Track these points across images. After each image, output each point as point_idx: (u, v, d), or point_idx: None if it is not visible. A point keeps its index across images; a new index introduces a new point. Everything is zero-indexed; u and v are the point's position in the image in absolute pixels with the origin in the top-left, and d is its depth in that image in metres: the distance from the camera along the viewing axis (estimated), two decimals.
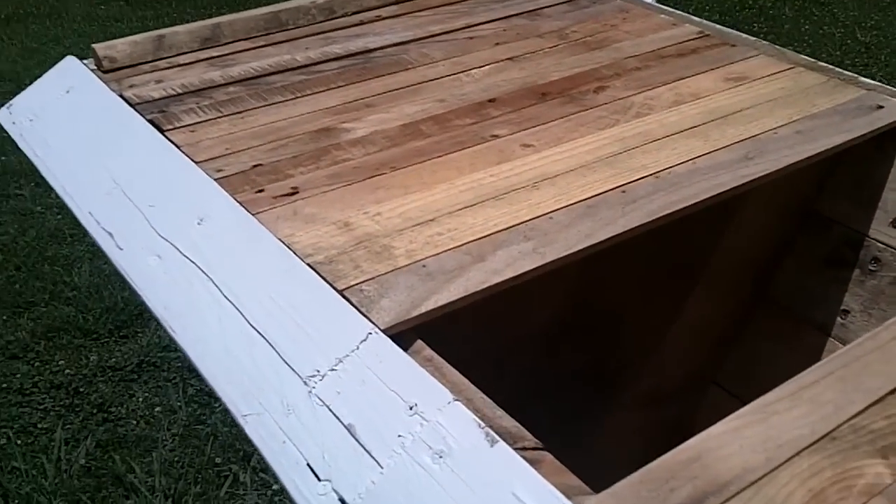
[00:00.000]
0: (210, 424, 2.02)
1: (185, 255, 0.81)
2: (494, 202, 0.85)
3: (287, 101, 1.05)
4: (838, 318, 1.05)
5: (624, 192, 0.87)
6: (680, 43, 1.18)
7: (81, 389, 2.16)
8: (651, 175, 0.90)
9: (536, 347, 1.06)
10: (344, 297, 0.73)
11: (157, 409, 2.11)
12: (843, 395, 0.64)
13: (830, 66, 1.10)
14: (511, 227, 0.82)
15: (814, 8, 5.40)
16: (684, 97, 1.05)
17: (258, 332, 0.72)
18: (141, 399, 2.13)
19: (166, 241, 0.83)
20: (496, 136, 0.97)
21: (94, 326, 2.35)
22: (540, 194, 0.86)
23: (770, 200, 1.05)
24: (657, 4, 1.30)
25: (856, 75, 1.07)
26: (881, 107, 1.01)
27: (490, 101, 1.05)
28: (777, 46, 1.15)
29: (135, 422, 2.07)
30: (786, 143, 0.95)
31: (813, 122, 0.99)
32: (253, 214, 0.83)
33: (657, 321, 1.14)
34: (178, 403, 2.09)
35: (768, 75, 1.09)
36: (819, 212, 1.09)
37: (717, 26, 1.22)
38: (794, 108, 1.02)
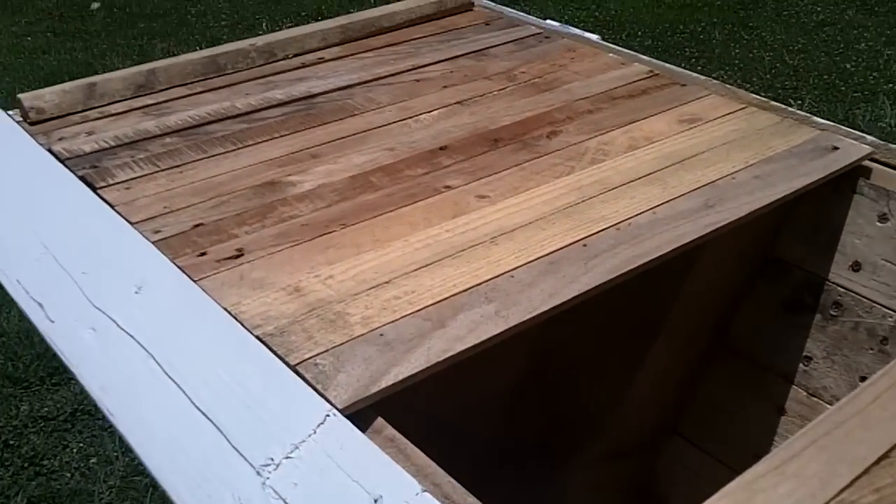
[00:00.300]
0: (149, 475, 1.94)
1: (122, 328, 0.75)
2: (452, 260, 0.81)
3: (228, 152, 1.00)
4: (801, 365, 1.03)
5: (585, 245, 0.84)
6: (630, 83, 1.16)
7: (11, 442, 2.06)
8: (611, 227, 0.87)
9: (497, 411, 1.02)
10: (297, 373, 0.68)
11: (93, 460, 2.01)
12: (827, 467, 0.61)
13: (782, 106, 1.09)
14: (471, 287, 0.78)
15: (742, 32, 5.51)
16: (639, 141, 1.02)
17: (204, 415, 0.66)
18: (75, 450, 2.04)
19: (101, 312, 0.77)
20: (449, 187, 0.93)
21: (25, 374, 2.25)
22: (499, 250, 0.83)
23: (729, 247, 1.03)
24: (603, 42, 1.28)
25: (809, 115, 1.06)
26: (836, 148, 1.00)
27: (441, 148, 1.01)
28: (728, 86, 1.14)
29: (69, 474, 1.98)
30: (745, 189, 0.93)
31: (770, 165, 0.98)
32: (195, 281, 0.78)
33: (617, 375, 1.12)
34: (115, 453, 2.00)
35: (721, 116, 1.08)
36: (778, 257, 1.08)
37: (666, 65, 1.20)
38: (750, 150, 1.00)
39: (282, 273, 0.80)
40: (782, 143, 1.01)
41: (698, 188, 0.93)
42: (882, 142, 1.02)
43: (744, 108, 1.10)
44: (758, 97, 1.11)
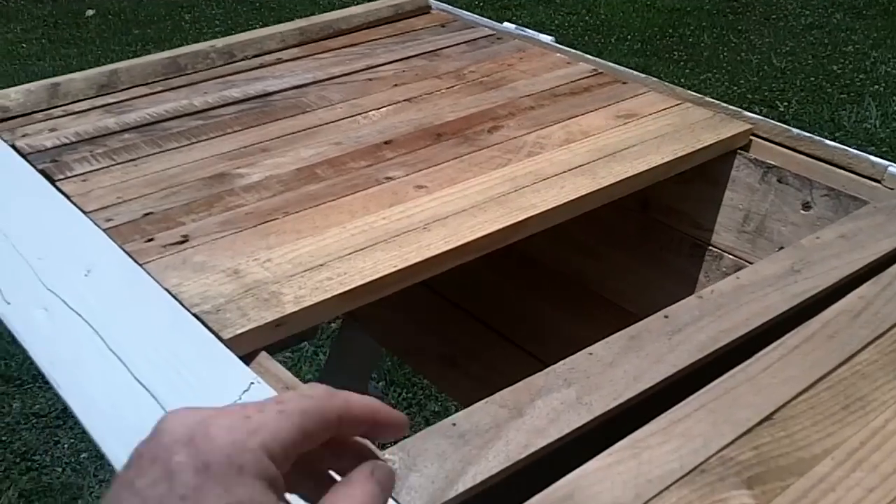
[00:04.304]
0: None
1: (71, 308, 0.80)
2: (385, 245, 0.87)
3: (182, 146, 1.05)
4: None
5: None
6: (573, 81, 1.22)
7: (4, 438, 2.11)
8: (538, 214, 0.92)
9: None
10: (228, 346, 0.73)
11: (84, 455, 2.06)
12: (713, 427, 0.66)
13: (717, 102, 1.13)
14: (399, 269, 0.83)
15: (731, 35, 5.57)
16: (575, 135, 1.07)
17: (143, 385, 0.71)
18: (66, 446, 2.09)
19: (53, 293, 0.82)
20: (390, 179, 0.99)
21: (18, 373, 2.30)
22: (430, 236, 0.88)
23: None
24: (554, 44, 1.33)
25: (740, 110, 1.11)
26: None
27: (386, 142, 1.06)
28: (666, 83, 1.19)
29: (60, 469, 2.03)
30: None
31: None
32: (141, 264, 0.83)
33: None
34: None
35: (656, 112, 1.13)
36: (712, 244, 1.13)
37: (611, 64, 1.25)
38: (680, 143, 1.05)
39: (223, 257, 0.85)
40: (712, 136, 1.06)
41: (627, 178, 0.98)
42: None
43: (679, 104, 1.15)
44: (695, 94, 1.16)
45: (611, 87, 1.20)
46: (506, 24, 1.43)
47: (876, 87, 4.70)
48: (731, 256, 1.11)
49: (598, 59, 1.27)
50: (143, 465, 0.36)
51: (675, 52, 5.33)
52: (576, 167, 1.00)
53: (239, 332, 0.75)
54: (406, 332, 1.40)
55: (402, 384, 2.44)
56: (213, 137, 1.07)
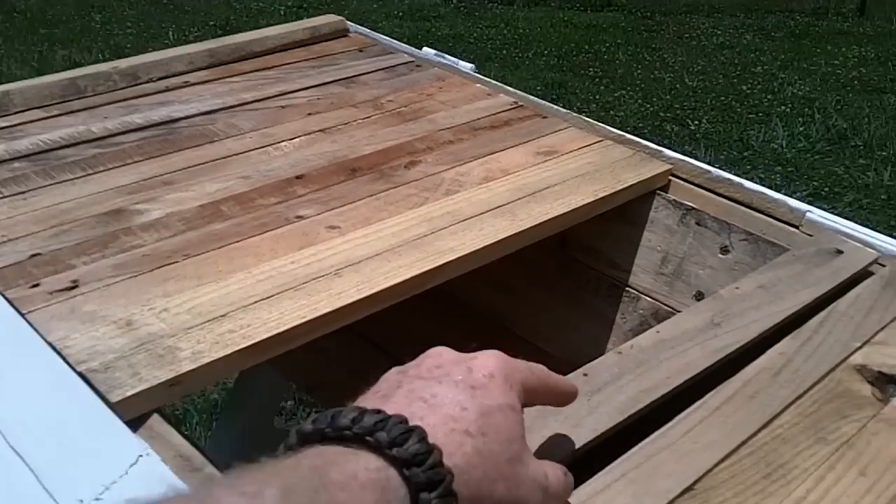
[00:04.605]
0: None
1: None
2: (293, 293, 0.82)
3: (77, 178, 0.98)
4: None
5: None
6: (494, 114, 1.19)
7: None
8: (455, 259, 0.88)
9: None
10: (117, 411, 0.67)
11: None
12: (634, 500, 0.63)
13: (636, 139, 1.12)
14: (307, 321, 0.78)
15: (645, 53, 5.67)
16: (495, 173, 1.04)
17: (18, 454, 0.65)
18: None
19: None
20: (301, 217, 0.94)
21: None
22: (342, 282, 0.83)
23: None
24: (474, 73, 1.30)
25: (661, 149, 1.09)
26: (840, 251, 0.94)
27: (298, 177, 1.01)
28: (586, 119, 1.17)
29: None
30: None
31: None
32: (23, 314, 0.76)
33: None
34: None
35: (577, 149, 1.10)
36: (629, 285, 1.11)
37: (531, 97, 1.23)
38: (601, 183, 1.03)
39: (115, 306, 0.78)
40: (633, 177, 1.05)
41: (547, 220, 0.96)
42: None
43: (599, 141, 1.13)
44: (615, 131, 1.14)
45: (531, 121, 1.17)
46: (425, 49, 1.40)
47: (783, 107, 4.84)
48: (648, 298, 1.09)
49: (518, 92, 1.24)
50: (448, 364, 0.51)
51: (591, 69, 5.40)
52: (495, 208, 0.97)
53: (129, 393, 0.69)
54: (314, 366, 1.34)
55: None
56: (111, 168, 1.00)
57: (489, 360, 0.52)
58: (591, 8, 6.79)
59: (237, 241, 0.89)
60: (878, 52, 5.69)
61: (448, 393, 0.48)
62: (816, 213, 0.98)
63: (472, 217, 0.95)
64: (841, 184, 3.98)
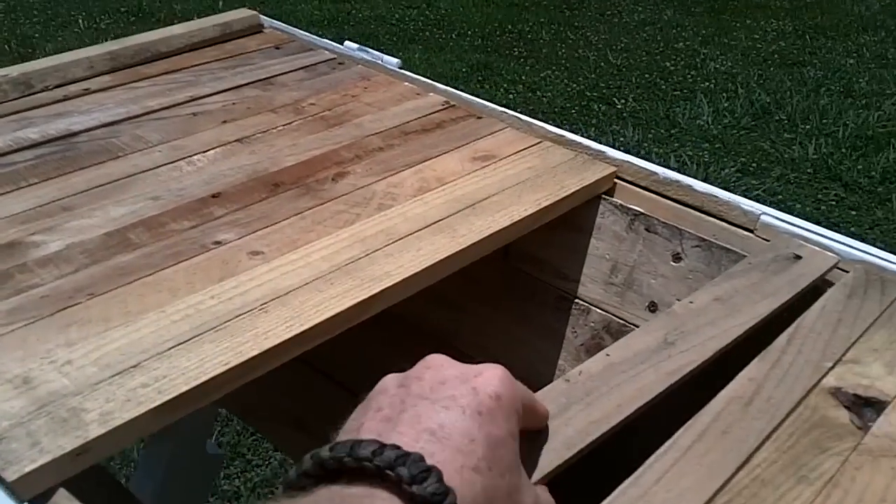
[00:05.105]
0: None
1: None
2: (214, 334, 0.73)
3: None
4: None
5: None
6: (425, 116, 1.11)
7: None
8: (393, 285, 0.80)
9: None
10: (14, 491, 0.58)
11: None
12: None
13: (576, 139, 1.05)
14: (231, 368, 0.70)
15: (569, 32, 5.64)
16: (430, 182, 0.97)
17: None
18: None
19: None
20: (219, 243, 0.85)
21: None
22: (269, 319, 0.75)
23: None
24: (400, 71, 1.22)
25: (604, 150, 1.03)
26: (798, 257, 0.89)
27: (214, 196, 0.92)
28: (523, 118, 1.09)
29: None
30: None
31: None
32: None
33: None
34: None
35: (515, 153, 1.03)
36: (578, 297, 1.05)
37: (463, 95, 1.15)
38: (543, 191, 0.96)
39: (11, 360, 0.69)
40: (576, 182, 0.98)
41: (489, 235, 0.88)
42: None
43: (539, 142, 1.06)
44: (554, 130, 1.07)
45: (465, 122, 1.10)
46: (347, 43, 1.31)
47: (706, 83, 4.87)
48: (598, 310, 1.03)
49: (449, 89, 1.16)
50: (453, 382, 0.50)
51: (516, 49, 5.35)
52: (432, 223, 0.89)
53: (28, 468, 0.60)
54: (248, 390, 1.25)
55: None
56: (2, 193, 0.90)
57: (493, 379, 0.51)
58: None
59: (148, 275, 0.80)
60: (795, 25, 5.76)
61: (456, 423, 0.47)
62: (771, 215, 0.92)
63: (408, 235, 0.87)
64: (768, 159, 4.01)
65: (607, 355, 0.74)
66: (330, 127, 1.07)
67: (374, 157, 1.01)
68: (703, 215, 0.96)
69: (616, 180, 1.02)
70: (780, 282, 0.85)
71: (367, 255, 0.84)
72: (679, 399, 0.70)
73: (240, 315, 0.75)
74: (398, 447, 0.43)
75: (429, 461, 0.43)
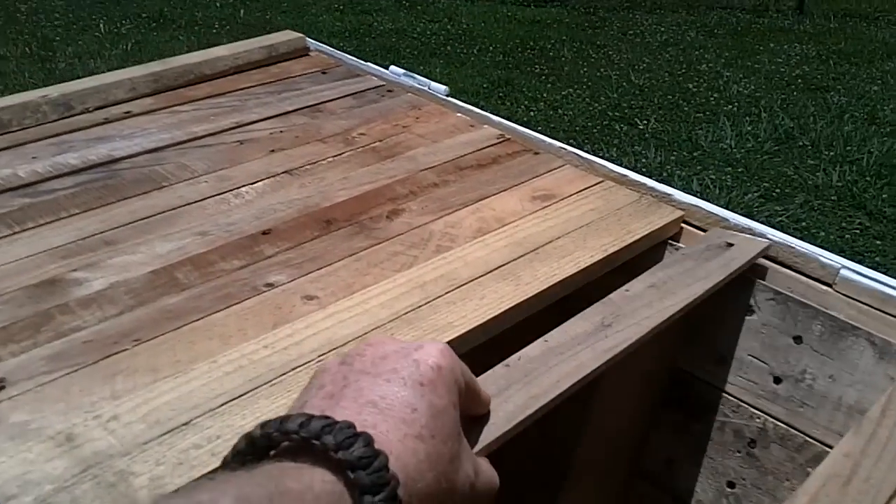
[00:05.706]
0: None
1: None
2: (269, 389, 0.68)
3: (2, 238, 0.82)
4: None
5: None
6: (479, 150, 1.06)
7: None
8: (457, 337, 0.75)
9: None
10: None
11: None
12: None
13: (639, 179, 1.00)
14: None
15: (591, 50, 5.60)
16: (489, 223, 0.92)
17: None
18: None
19: None
20: (271, 286, 0.80)
21: None
22: None
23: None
24: (450, 99, 1.17)
25: (670, 192, 0.98)
26: (730, 244, 0.90)
27: (264, 233, 0.87)
28: (583, 155, 1.04)
29: None
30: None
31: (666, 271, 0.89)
32: None
33: None
34: None
35: (576, 192, 0.98)
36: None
37: (519, 128, 1.10)
38: (609, 236, 0.91)
39: (53, 413, 0.64)
40: (642, 227, 0.93)
41: (554, 284, 0.83)
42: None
43: (600, 181, 1.01)
44: (615, 168, 1.02)
45: (521, 157, 1.05)
46: (393, 68, 1.26)
47: (729, 106, 4.81)
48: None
49: (503, 121, 1.11)
50: (394, 356, 0.50)
51: (537, 66, 5.31)
52: (494, 269, 0.84)
53: None
54: None
55: None
56: (43, 224, 0.85)
57: (434, 352, 0.51)
58: (534, 3, 6.70)
59: (197, 319, 0.75)
60: (818, 49, 5.71)
61: (398, 393, 0.48)
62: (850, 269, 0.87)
63: (469, 281, 0.82)
64: (791, 185, 3.95)
65: (545, 341, 0.74)
66: (382, 160, 1.02)
67: (429, 193, 0.96)
68: (778, 266, 0.91)
69: (683, 224, 0.96)
70: (712, 267, 0.80)
71: (428, 302, 0.79)
72: None
73: (296, 368, 0.70)
74: (327, 417, 0.44)
75: (371, 432, 0.44)
